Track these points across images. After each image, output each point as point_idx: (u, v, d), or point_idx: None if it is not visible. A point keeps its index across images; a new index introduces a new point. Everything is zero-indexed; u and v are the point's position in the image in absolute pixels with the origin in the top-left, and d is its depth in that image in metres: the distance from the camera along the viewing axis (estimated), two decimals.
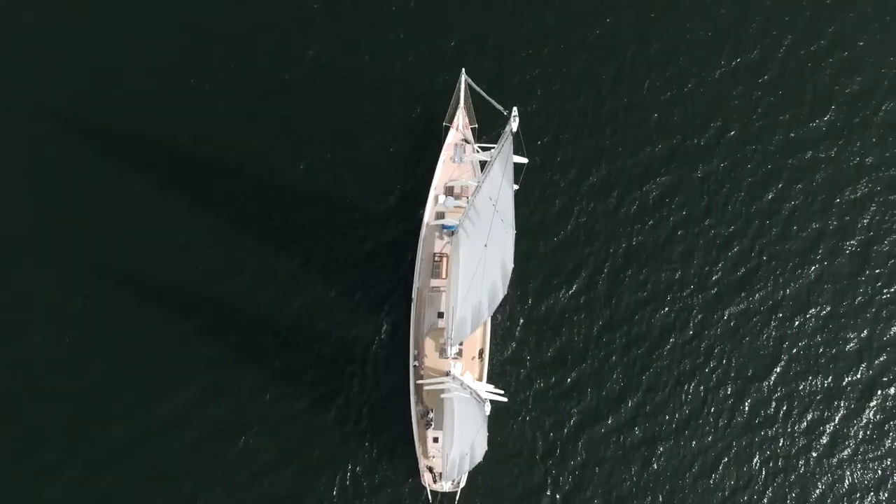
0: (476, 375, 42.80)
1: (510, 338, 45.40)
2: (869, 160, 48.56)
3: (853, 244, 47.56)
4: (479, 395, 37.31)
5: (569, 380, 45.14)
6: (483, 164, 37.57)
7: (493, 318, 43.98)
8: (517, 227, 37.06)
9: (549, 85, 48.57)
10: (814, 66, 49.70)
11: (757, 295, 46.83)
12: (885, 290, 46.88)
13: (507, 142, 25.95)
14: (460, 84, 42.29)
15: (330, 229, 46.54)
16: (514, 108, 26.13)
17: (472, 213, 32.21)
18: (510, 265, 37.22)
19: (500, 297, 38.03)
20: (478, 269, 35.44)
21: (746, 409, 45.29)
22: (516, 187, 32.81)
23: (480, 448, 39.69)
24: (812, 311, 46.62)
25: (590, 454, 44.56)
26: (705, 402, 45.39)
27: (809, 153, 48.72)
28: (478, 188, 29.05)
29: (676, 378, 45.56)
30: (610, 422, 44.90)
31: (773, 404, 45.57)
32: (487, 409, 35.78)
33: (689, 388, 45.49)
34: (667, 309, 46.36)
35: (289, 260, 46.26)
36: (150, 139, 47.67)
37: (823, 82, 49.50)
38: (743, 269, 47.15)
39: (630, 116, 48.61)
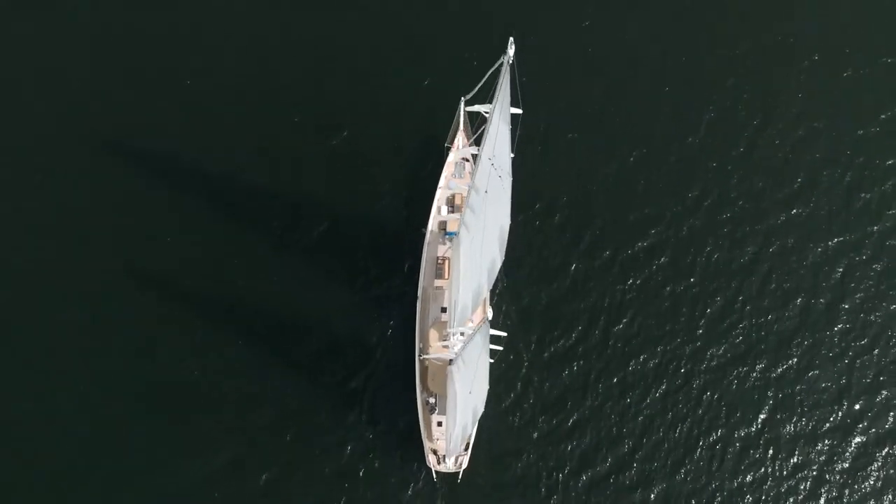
0: None
1: (511, 386, 49.54)
2: (836, 225, 53.49)
3: (823, 301, 51.70)
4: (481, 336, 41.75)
5: (568, 423, 48.77)
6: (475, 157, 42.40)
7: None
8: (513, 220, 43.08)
9: (543, 155, 54.77)
10: (781, 140, 55.40)
11: (741, 346, 50.63)
12: (856, 341, 50.85)
13: (505, 74, 31.72)
14: (460, 111, 49.04)
15: (345, 238, 52.43)
16: (511, 38, 31.97)
17: (473, 199, 37.70)
18: (507, 224, 42.31)
19: (499, 265, 43.40)
20: (477, 255, 41.09)
21: (737, 450, 48.69)
22: (518, 111, 37.26)
23: (482, 402, 44.30)
24: (792, 360, 50.32)
25: (589, 496, 47.84)
26: (697, 445, 48.76)
27: (782, 217, 53.68)
28: (480, 151, 34.79)
29: (669, 422, 48.99)
30: (607, 464, 48.25)
31: (761, 447, 48.66)
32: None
33: (680, 432, 48.90)
34: (657, 359, 50.23)
35: (306, 264, 51.87)
36: (171, 154, 54.26)
37: (791, 152, 55.12)
38: (727, 322, 51.26)
39: (619, 185, 54.11)
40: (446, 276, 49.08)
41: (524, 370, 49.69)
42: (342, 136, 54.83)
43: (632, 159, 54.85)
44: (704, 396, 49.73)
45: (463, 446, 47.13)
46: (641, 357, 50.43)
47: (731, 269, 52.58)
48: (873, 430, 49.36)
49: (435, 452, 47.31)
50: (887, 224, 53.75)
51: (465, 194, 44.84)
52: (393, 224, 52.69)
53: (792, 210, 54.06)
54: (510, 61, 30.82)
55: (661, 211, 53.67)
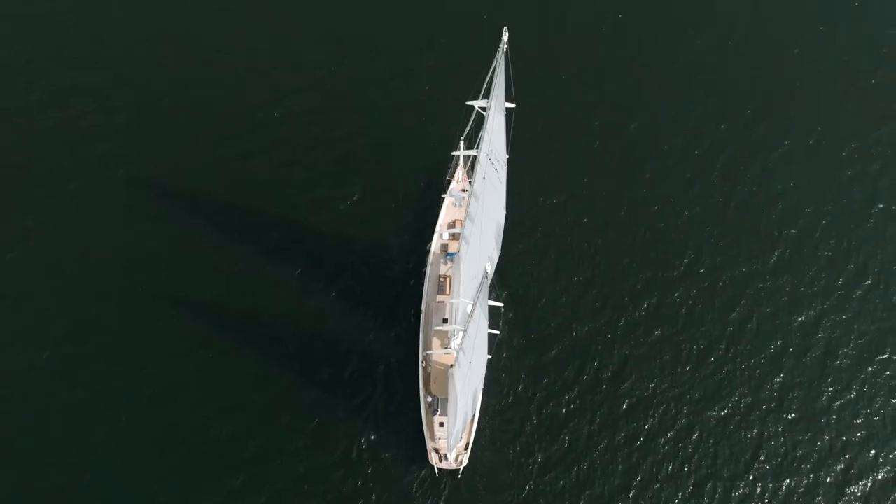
0: None
1: (514, 439, 52.87)
2: (816, 286, 58.90)
3: (812, 355, 56.15)
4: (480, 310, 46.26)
5: (571, 474, 51.70)
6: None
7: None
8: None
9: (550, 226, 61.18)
10: (764, 212, 62.00)
11: (732, 398, 54.38)
12: (843, 394, 54.67)
13: (500, 61, 38.07)
14: (460, 148, 55.84)
15: (355, 259, 58.40)
16: (505, 28, 38.57)
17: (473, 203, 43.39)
18: (503, 217, 47.81)
19: (496, 259, 48.79)
20: (476, 257, 46.63)
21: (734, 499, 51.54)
22: (511, 105, 42.49)
23: (481, 380, 48.63)
24: (784, 413, 53.94)
25: None
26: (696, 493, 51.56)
27: (769, 281, 59.05)
28: (478, 148, 41.02)
29: (668, 471, 51.84)
30: None
31: (757, 494, 51.40)
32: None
33: (679, 479, 51.69)
34: (654, 410, 53.71)
35: (324, 284, 57.46)
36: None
37: (772, 226, 61.48)
38: (719, 376, 55.12)
39: (613, 255, 59.64)
40: (447, 292, 54.29)
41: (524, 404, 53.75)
42: (352, 176, 62.37)
43: (622, 213, 61.50)
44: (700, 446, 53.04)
45: (464, 444, 50.96)
46: (639, 410, 53.87)
47: (725, 332, 57.14)
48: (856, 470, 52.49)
49: (437, 451, 50.93)
50: (863, 280, 59.45)
51: (464, 203, 51.08)
52: (399, 247, 58.76)
53: (776, 278, 59.38)
54: (504, 48, 37.46)
55: (653, 276, 58.90)
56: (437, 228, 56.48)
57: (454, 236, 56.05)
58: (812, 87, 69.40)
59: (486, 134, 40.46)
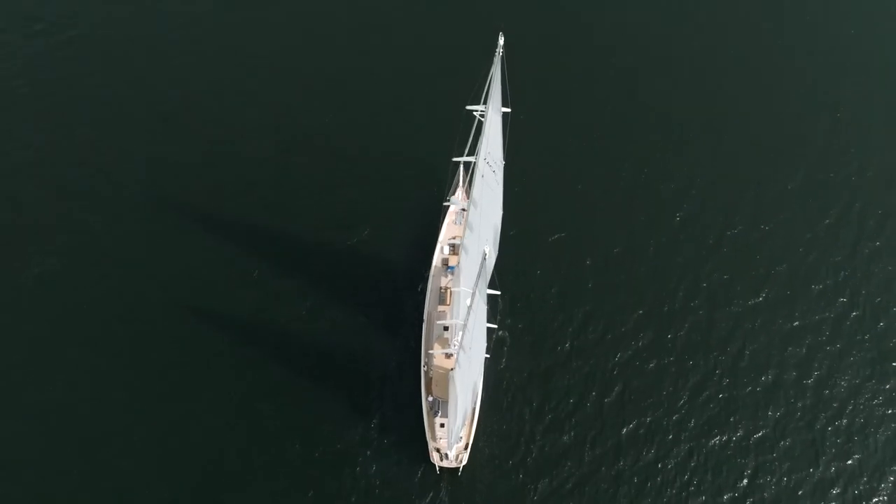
0: None
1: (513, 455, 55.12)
2: (807, 319, 61.59)
3: (804, 384, 58.38)
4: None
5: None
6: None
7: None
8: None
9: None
10: (755, 250, 65.33)
11: (728, 426, 56.47)
12: (835, 421, 56.81)
13: (496, 65, 42.07)
14: (459, 173, 59.80)
15: (364, 273, 62.04)
16: (501, 34, 42.65)
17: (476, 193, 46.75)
18: (500, 218, 51.14)
19: (493, 261, 52.12)
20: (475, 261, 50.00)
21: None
22: (507, 109, 46.37)
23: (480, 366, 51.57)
24: (778, 440, 55.93)
25: None
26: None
27: (760, 315, 61.64)
28: (476, 154, 44.88)
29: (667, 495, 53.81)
30: None
31: None
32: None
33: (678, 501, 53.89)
34: (652, 438, 55.70)
35: (333, 295, 60.93)
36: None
37: (762, 262, 64.58)
38: (715, 405, 57.28)
39: (610, 290, 62.69)
40: (448, 303, 57.47)
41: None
42: (356, 193, 66.90)
43: (616, 250, 65.20)
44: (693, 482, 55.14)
45: (463, 444, 53.45)
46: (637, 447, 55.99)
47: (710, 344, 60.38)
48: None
49: (438, 451, 53.42)
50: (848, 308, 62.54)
51: (464, 210, 54.68)
52: (402, 261, 62.35)
53: (759, 297, 62.78)
54: (501, 52, 41.65)
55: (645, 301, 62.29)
56: (438, 243, 60.04)
57: (454, 250, 59.60)
58: (798, 129, 73.93)
59: (484, 137, 44.37)
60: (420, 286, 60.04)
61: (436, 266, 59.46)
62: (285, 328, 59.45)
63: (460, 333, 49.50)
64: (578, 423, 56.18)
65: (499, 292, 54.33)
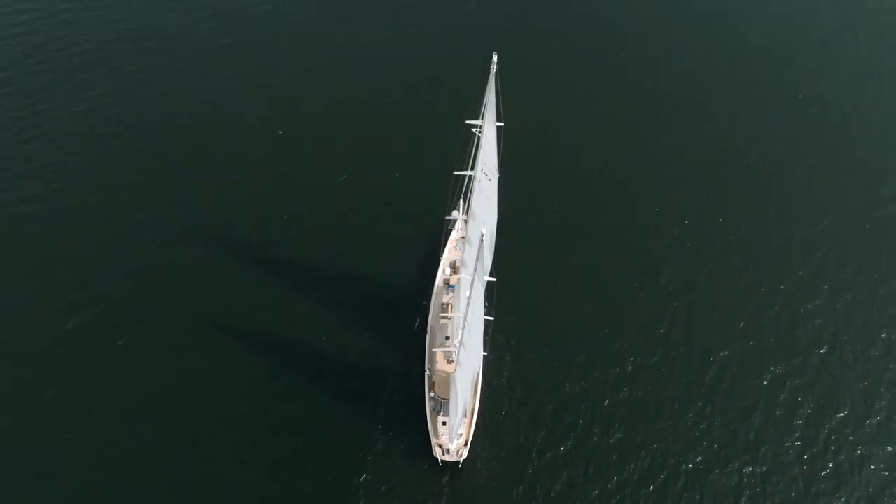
0: None
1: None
2: (779, 352, 66.06)
3: (780, 412, 62.32)
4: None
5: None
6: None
7: None
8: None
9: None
10: (730, 287, 70.47)
11: (710, 450, 59.87)
12: (811, 447, 60.48)
13: (491, 83, 49.24)
14: (459, 207, 66.70)
15: (373, 290, 68.39)
16: (495, 53, 50.00)
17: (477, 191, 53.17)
18: (495, 223, 57.47)
19: (489, 264, 58.26)
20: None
21: None
22: (500, 124, 53.32)
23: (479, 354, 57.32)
24: (759, 465, 59.25)
25: None
26: None
27: (737, 348, 66.20)
28: (473, 167, 51.89)
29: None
30: None
31: None
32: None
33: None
34: (639, 462, 59.22)
35: (346, 312, 67.28)
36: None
37: (737, 298, 69.79)
38: (697, 430, 60.93)
39: (597, 323, 67.72)
40: (449, 316, 63.39)
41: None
42: (365, 223, 74.36)
43: (607, 282, 71.45)
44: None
45: (463, 441, 58.42)
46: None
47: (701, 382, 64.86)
48: None
49: (440, 446, 58.35)
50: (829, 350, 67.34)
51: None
52: (407, 280, 69.11)
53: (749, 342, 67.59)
54: (494, 69, 49.19)
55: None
56: (441, 265, 66.51)
57: (455, 270, 65.94)
58: (773, 171, 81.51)
59: (480, 149, 51.58)
60: (424, 302, 65.99)
61: (438, 286, 65.70)
62: (301, 340, 65.59)
63: (460, 332, 55.39)
64: (578, 423, 61.35)
65: (494, 279, 60.36)
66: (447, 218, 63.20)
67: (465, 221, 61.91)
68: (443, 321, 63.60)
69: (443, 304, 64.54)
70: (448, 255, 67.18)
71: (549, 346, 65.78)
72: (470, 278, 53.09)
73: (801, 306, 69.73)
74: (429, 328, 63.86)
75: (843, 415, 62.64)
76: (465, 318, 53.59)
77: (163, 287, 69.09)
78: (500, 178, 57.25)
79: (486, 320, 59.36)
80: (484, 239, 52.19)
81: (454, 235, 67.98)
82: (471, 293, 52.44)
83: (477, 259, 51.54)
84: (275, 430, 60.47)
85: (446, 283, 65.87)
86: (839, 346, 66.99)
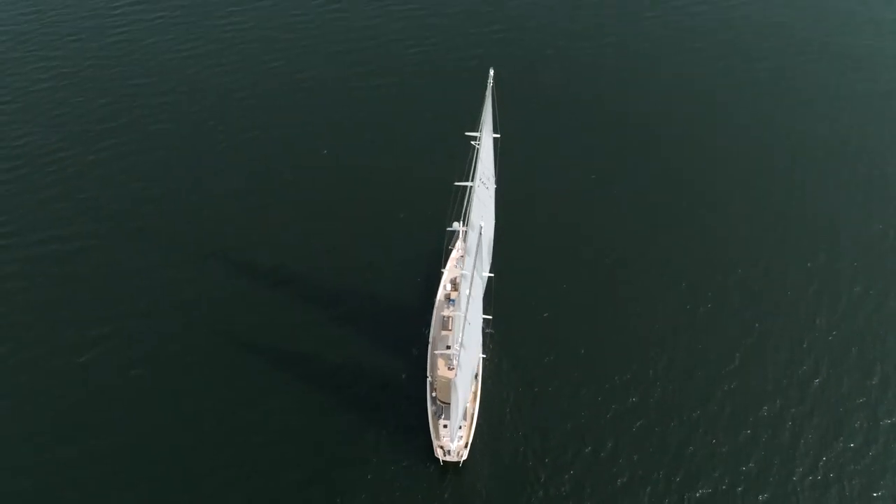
0: None
1: None
2: (779, 383, 67.79)
3: (779, 440, 63.74)
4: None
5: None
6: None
7: None
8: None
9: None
10: (729, 320, 72.67)
11: (712, 478, 60.89)
12: (812, 475, 61.73)
13: (488, 96, 53.61)
14: (459, 226, 70.65)
15: (377, 304, 72.15)
16: (491, 68, 54.55)
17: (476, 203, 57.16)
18: (492, 229, 61.09)
19: (487, 270, 61.71)
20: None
21: None
22: (497, 135, 57.08)
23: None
24: (758, 493, 60.11)
25: None
26: None
27: (735, 379, 67.61)
28: (472, 178, 56.04)
29: None
30: None
31: None
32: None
33: None
34: (643, 490, 60.47)
35: (354, 324, 70.81)
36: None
37: (735, 332, 71.82)
38: (699, 459, 62.17)
39: (598, 357, 69.73)
40: (450, 328, 66.58)
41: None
42: (367, 233, 79.43)
43: (608, 316, 74.81)
44: None
45: (464, 443, 60.90)
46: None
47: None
48: None
49: (441, 448, 60.83)
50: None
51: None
52: (411, 294, 73.00)
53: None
54: (491, 83, 53.83)
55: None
56: (442, 281, 70.10)
57: (455, 286, 69.42)
58: (771, 200, 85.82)
59: (479, 160, 55.90)
60: (427, 317, 69.50)
61: (439, 300, 69.11)
62: (307, 350, 68.95)
63: (461, 333, 58.62)
64: (577, 421, 64.36)
65: (492, 275, 63.66)
66: (448, 229, 66.89)
67: (466, 233, 65.82)
68: (444, 332, 66.75)
69: (443, 317, 67.77)
70: (449, 272, 70.77)
71: (548, 348, 69.41)
72: (470, 273, 56.52)
73: (799, 337, 71.86)
74: (430, 338, 67.00)
75: (828, 436, 64.38)
76: (465, 318, 56.86)
77: (170, 303, 72.74)
78: (497, 188, 61.27)
79: (484, 319, 62.43)
80: (483, 232, 55.85)
81: (455, 255, 71.70)
82: (470, 291, 55.78)
83: (476, 253, 55.09)
84: (282, 435, 63.24)
85: (447, 297, 69.26)
86: (834, 376, 68.84)
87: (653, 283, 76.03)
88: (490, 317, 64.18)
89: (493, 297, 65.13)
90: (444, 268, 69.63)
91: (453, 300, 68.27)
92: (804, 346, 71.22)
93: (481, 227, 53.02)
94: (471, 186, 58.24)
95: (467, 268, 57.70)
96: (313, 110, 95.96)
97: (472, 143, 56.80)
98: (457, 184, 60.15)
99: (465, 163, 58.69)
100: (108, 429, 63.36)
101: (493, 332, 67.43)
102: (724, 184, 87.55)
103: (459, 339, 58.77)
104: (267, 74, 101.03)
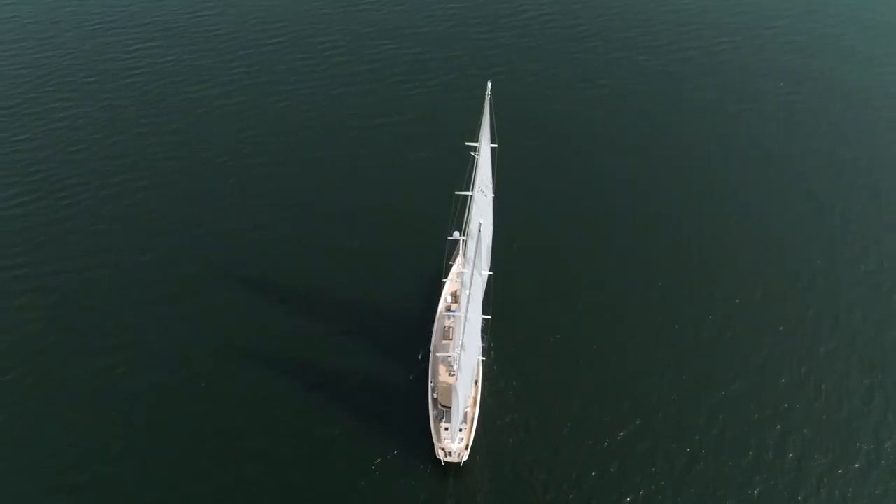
0: None
1: None
2: (779, 407, 69.62)
3: (782, 464, 65.32)
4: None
5: None
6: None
7: None
8: None
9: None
10: (728, 346, 74.93)
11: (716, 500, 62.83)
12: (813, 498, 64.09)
13: (486, 106, 57.16)
14: (459, 236, 73.56)
15: (389, 319, 75.25)
16: (489, 82, 57.90)
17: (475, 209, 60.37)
18: (490, 234, 64.15)
19: (485, 276, 64.54)
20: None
21: None
22: (494, 145, 60.16)
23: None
24: None
25: None
26: None
27: (737, 403, 69.67)
28: (474, 178, 59.44)
29: None
30: None
31: None
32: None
33: None
34: None
35: (361, 334, 74.08)
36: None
37: (735, 357, 73.93)
38: (703, 482, 63.77)
39: (597, 381, 71.71)
40: (450, 338, 69.23)
41: None
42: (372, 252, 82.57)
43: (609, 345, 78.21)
44: None
45: (464, 445, 63.09)
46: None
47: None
48: None
49: (443, 449, 63.11)
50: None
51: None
52: (413, 306, 76.33)
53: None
54: (489, 95, 57.48)
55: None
56: (443, 294, 73.01)
57: (455, 299, 72.24)
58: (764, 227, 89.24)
59: (478, 168, 59.35)
60: (428, 327, 72.39)
61: (440, 312, 71.93)
62: (317, 360, 71.86)
63: (461, 334, 61.29)
64: (576, 422, 66.66)
65: (490, 273, 66.37)
66: (450, 238, 69.94)
67: (465, 244, 68.89)
68: (444, 342, 69.37)
69: (444, 327, 70.46)
70: (449, 286, 73.68)
71: (548, 350, 72.90)
72: (469, 272, 59.45)
73: (798, 362, 73.89)
74: (432, 347, 69.62)
75: (829, 458, 65.97)
76: (465, 317, 59.60)
77: (179, 329, 75.54)
78: (494, 196, 64.56)
79: (483, 319, 65.01)
80: (482, 229, 58.92)
81: (455, 269, 74.70)
82: (470, 290, 58.62)
83: (476, 251, 58.07)
84: (288, 438, 65.83)
85: (447, 309, 72.04)
86: (825, 393, 70.87)
87: (653, 301, 79.58)
88: (489, 317, 66.76)
89: (493, 298, 68.42)
90: (445, 278, 72.58)
91: (454, 311, 70.98)
92: (802, 370, 72.93)
93: (480, 224, 56.01)
94: (470, 196, 61.47)
95: (467, 267, 60.64)
96: (318, 134, 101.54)
97: (472, 153, 60.23)
98: (457, 193, 63.44)
99: (464, 173, 62.10)
100: (118, 454, 65.02)
101: (490, 342, 70.06)
102: (722, 212, 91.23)
103: (460, 341, 61.38)
104: (274, 112, 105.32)
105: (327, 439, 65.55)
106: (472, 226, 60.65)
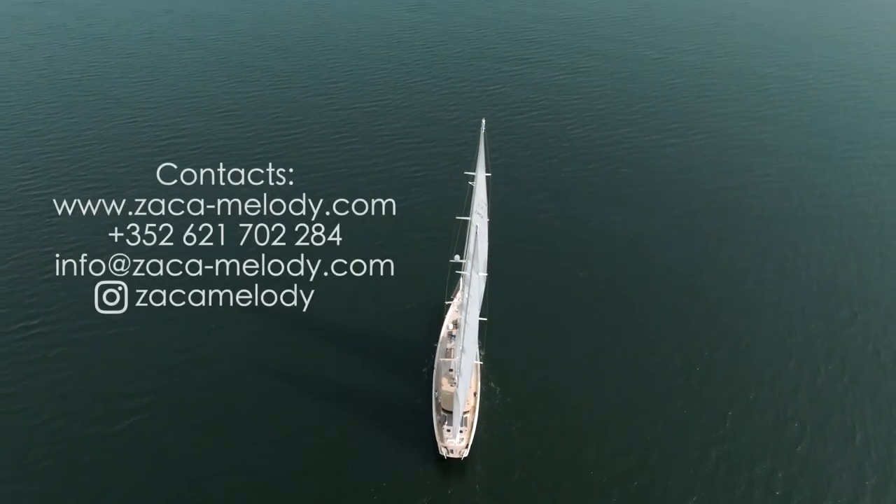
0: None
1: None
2: (767, 445, 73.50)
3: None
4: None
5: None
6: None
7: None
8: None
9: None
10: (718, 382, 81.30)
11: None
12: None
13: (482, 140, 67.00)
14: (461, 259, 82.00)
15: (395, 341, 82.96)
16: (483, 119, 68.00)
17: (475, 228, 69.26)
18: (486, 251, 72.88)
19: (483, 285, 72.80)
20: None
21: None
22: (489, 174, 69.67)
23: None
24: None
25: None
26: None
27: (728, 440, 73.22)
28: (472, 196, 68.98)
29: None
30: None
31: None
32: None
33: None
34: None
35: (372, 352, 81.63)
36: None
37: (724, 395, 78.39)
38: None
39: (594, 412, 77.36)
40: (451, 356, 76.96)
41: None
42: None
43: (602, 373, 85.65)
44: None
45: (464, 444, 70.02)
46: None
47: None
48: None
49: (445, 447, 70.11)
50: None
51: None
52: (422, 332, 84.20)
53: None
54: (483, 129, 67.49)
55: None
56: (445, 321, 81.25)
57: (456, 326, 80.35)
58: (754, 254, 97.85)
59: (475, 194, 69.11)
60: (433, 344, 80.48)
61: (443, 336, 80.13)
62: (327, 370, 79.68)
63: (461, 337, 69.30)
64: (575, 422, 73.96)
65: (486, 274, 74.18)
66: (451, 261, 78.60)
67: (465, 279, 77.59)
68: (446, 359, 77.09)
69: (447, 349, 78.28)
70: (451, 314, 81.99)
71: (547, 352, 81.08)
72: (468, 272, 68.05)
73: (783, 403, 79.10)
74: (436, 363, 77.48)
75: (831, 501, 69.76)
76: (465, 319, 67.81)
77: (188, 344, 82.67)
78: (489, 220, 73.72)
79: (480, 321, 72.61)
80: (479, 231, 67.87)
81: (456, 301, 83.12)
82: (469, 290, 67.13)
83: (473, 255, 66.81)
84: (295, 442, 72.55)
85: (450, 333, 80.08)
86: (819, 440, 74.96)
87: (649, 303, 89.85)
88: (485, 318, 74.69)
89: (490, 298, 76.38)
90: (448, 300, 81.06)
91: (454, 336, 79.01)
92: (788, 412, 77.38)
93: (477, 228, 65.43)
94: (469, 220, 70.74)
95: (466, 268, 69.26)
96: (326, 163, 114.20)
97: (469, 182, 69.94)
98: (458, 218, 72.76)
99: (464, 200, 71.55)
100: (140, 494, 67.68)
101: (485, 351, 78.02)
102: (717, 233, 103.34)
103: (461, 344, 69.31)
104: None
105: (335, 443, 72.17)
106: (470, 239, 69.53)
